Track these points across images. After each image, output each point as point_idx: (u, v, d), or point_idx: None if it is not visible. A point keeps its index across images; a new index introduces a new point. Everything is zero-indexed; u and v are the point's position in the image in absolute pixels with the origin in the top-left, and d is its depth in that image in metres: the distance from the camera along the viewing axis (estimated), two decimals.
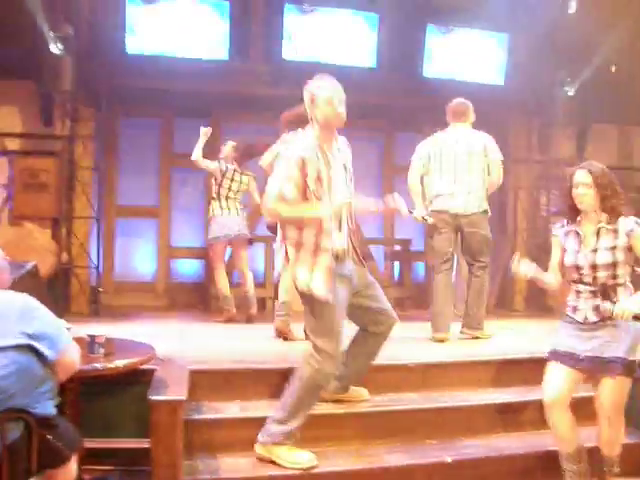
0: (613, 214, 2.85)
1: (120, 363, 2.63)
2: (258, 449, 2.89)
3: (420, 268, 7.36)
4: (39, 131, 5.73)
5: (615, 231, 2.86)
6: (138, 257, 6.83)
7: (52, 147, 5.69)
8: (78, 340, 2.41)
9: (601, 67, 6.64)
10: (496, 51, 6.59)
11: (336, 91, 2.84)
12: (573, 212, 2.95)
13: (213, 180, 5.35)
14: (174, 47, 5.87)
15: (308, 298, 2.83)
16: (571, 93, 6.62)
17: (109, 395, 3.15)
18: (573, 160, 4.95)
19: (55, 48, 5.25)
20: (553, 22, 6.45)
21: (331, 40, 6.12)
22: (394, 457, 3.03)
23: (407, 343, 4.13)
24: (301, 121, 3.72)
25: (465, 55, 6.48)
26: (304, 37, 6.06)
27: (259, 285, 6.66)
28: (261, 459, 2.87)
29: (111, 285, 6.50)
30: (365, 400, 3.31)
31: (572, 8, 6.22)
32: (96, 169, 5.86)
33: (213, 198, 5.33)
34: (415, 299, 6.69)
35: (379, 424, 3.21)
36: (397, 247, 7.15)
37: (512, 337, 4.86)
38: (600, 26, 6.40)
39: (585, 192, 2.84)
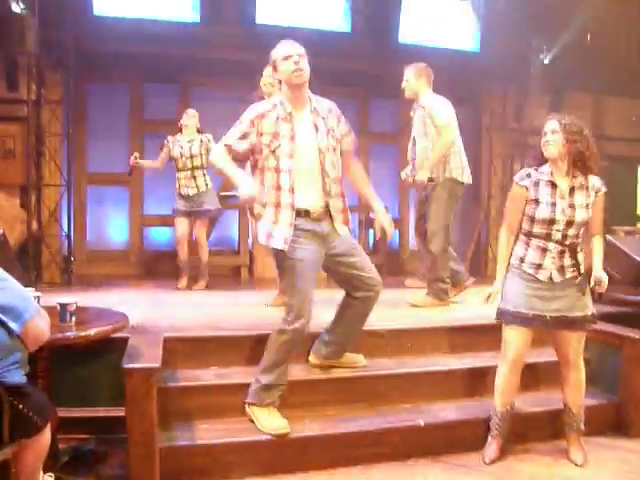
0: (585, 169, 2.85)
1: (92, 331, 2.60)
2: (247, 409, 2.97)
3: (395, 236, 7.39)
4: (3, 96, 5.53)
5: (587, 188, 2.88)
6: (110, 225, 6.73)
7: (18, 112, 5.50)
8: (49, 309, 2.37)
9: (576, 36, 6.65)
10: (472, 17, 6.53)
11: (293, 48, 2.89)
12: (538, 161, 2.92)
13: None
14: (143, 9, 5.68)
15: (275, 255, 2.91)
16: (546, 61, 6.63)
17: (83, 364, 3.14)
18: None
19: (17, 7, 5.04)
20: None
21: (305, 4, 6.00)
22: (368, 421, 3.09)
23: (382, 310, 4.16)
24: None
25: (441, 21, 6.41)
26: (278, 0, 5.92)
27: (234, 253, 6.66)
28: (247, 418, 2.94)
29: (83, 254, 6.41)
30: (361, 366, 3.35)
31: None
32: (65, 135, 5.70)
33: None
34: (389, 266, 6.73)
35: (354, 389, 3.26)
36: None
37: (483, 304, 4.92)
38: None
39: (551, 138, 2.82)
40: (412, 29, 6.33)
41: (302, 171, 2.87)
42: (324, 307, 3.23)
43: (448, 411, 3.26)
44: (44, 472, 2.32)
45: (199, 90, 6.59)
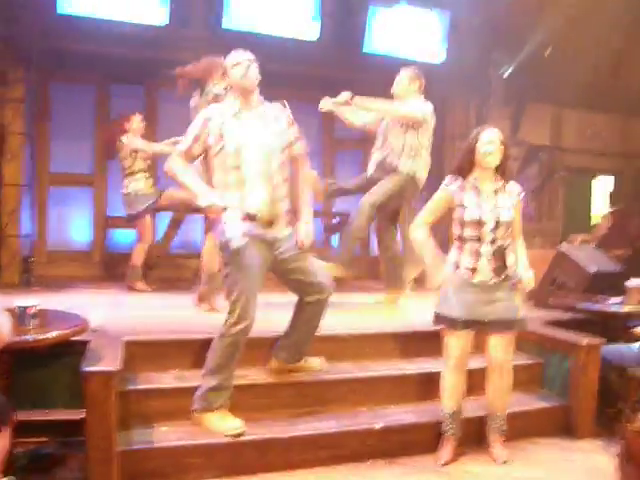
0: (505, 175, 3.04)
1: (51, 334, 2.61)
2: (193, 417, 2.96)
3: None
4: None
5: (510, 192, 3.04)
6: (73, 226, 6.64)
7: None
8: (8, 311, 2.37)
9: (536, 50, 6.86)
10: (437, 28, 6.67)
11: (243, 55, 3.03)
12: (468, 170, 3.04)
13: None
14: (110, 9, 5.65)
15: (222, 256, 2.97)
16: (507, 74, 6.81)
17: (42, 367, 3.12)
18: (507, 138, 5.10)
19: None
20: (492, 2, 6.58)
21: (273, 11, 6.04)
22: (327, 424, 3.16)
23: (342, 314, 4.24)
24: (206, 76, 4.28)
25: (407, 31, 6.53)
26: (245, 6, 5.95)
27: (196, 256, 6.63)
28: (197, 426, 2.93)
29: (44, 255, 6.30)
30: (320, 370, 3.40)
31: None
32: (27, 134, 5.63)
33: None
34: (353, 271, 6.79)
35: (312, 393, 3.32)
36: (335, 220, 7.22)
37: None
38: (536, 9, 6.59)
39: (494, 149, 2.96)
40: (380, 39, 6.43)
41: (249, 171, 2.92)
42: (283, 311, 3.29)
43: (404, 414, 3.36)
44: (2, 475, 2.32)
45: (164, 92, 6.57)
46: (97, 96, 6.48)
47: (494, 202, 2.99)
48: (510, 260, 3.03)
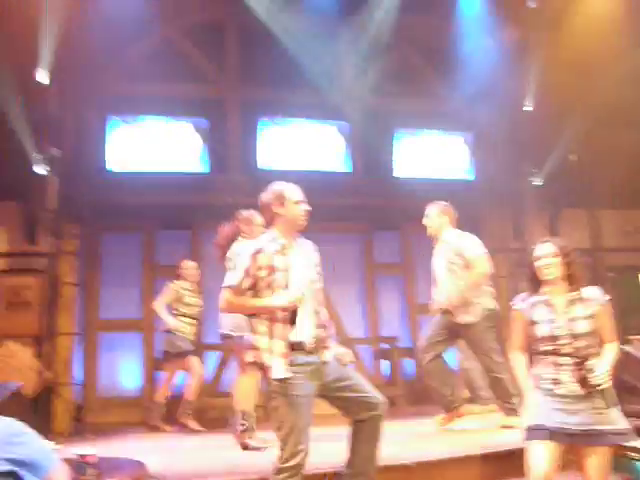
0: (578, 283, 2.94)
1: None
2: None
3: (409, 365, 7.29)
4: (23, 249, 5.77)
5: (584, 300, 2.93)
6: (123, 371, 6.68)
7: (36, 265, 5.72)
8: (66, 461, 2.34)
9: (563, 156, 7.04)
10: (463, 149, 6.95)
11: (303, 195, 3.08)
12: (535, 285, 3.00)
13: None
14: (155, 163, 6.09)
15: (273, 392, 2.86)
16: (538, 182, 6.95)
17: None
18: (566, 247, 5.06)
19: (40, 169, 5.41)
20: (513, 118, 6.89)
21: (305, 149, 6.41)
22: None
23: (405, 442, 4.04)
24: (231, 240, 4.30)
25: (434, 154, 6.82)
26: (279, 147, 6.34)
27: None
28: None
29: (96, 401, 6.30)
30: None
31: (528, 106, 6.66)
32: (79, 284, 5.86)
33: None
34: (407, 397, 6.59)
35: None
36: (384, 345, 7.11)
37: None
38: (558, 118, 6.84)
39: (551, 262, 2.93)
40: (407, 164, 6.71)
41: (291, 302, 2.92)
42: (335, 442, 3.16)
43: None
44: None
45: (209, 235, 6.84)
46: (144, 243, 6.78)
47: (568, 315, 2.93)
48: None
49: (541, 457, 2.83)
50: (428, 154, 6.79)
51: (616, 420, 2.84)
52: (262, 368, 2.93)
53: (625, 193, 7.84)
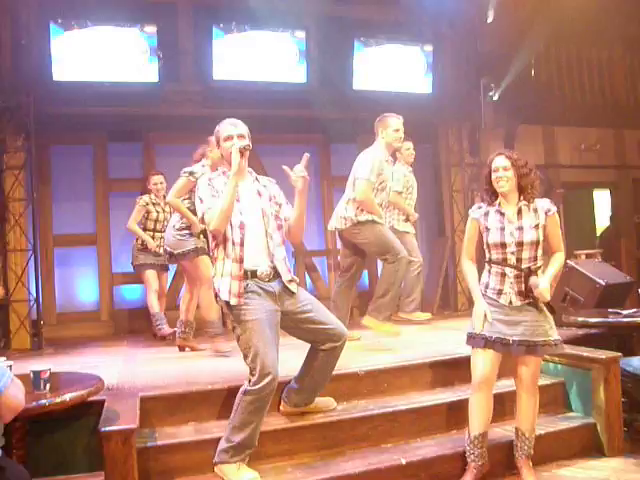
0: (530, 194, 3.04)
1: (67, 397, 2.58)
2: (215, 469, 2.92)
3: (364, 277, 7.47)
4: None
5: (535, 210, 3.05)
6: (79, 286, 6.67)
7: None
8: (21, 377, 2.36)
9: (521, 72, 6.99)
10: (422, 61, 6.81)
11: (235, 129, 3.05)
12: (490, 196, 3.12)
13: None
14: (103, 72, 5.80)
15: (230, 316, 2.95)
16: (496, 98, 6.92)
17: (59, 431, 3.08)
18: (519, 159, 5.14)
19: None
20: (473, 31, 6.75)
21: (261, 58, 6.19)
22: (351, 464, 3.09)
23: (356, 351, 4.21)
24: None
25: (392, 66, 6.67)
26: (234, 56, 6.10)
27: None
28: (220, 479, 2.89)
29: (53, 317, 6.32)
30: (332, 409, 3.37)
31: (490, 18, 6.52)
32: (29, 200, 5.70)
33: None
34: (361, 308, 6.78)
35: (334, 434, 3.26)
36: (339, 257, 7.22)
37: (457, 337, 4.99)
38: (517, 33, 6.74)
39: (504, 175, 3.02)
40: (365, 76, 6.56)
41: (248, 232, 2.96)
42: (293, 352, 3.26)
43: (428, 447, 3.29)
44: None
45: (161, 146, 6.68)
46: (96, 156, 6.58)
47: (517, 223, 3.03)
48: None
49: (480, 362, 3.04)
50: (387, 66, 6.63)
51: (549, 332, 3.03)
52: (215, 294, 2.98)
53: (581, 111, 7.91)
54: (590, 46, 8.08)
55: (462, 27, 6.89)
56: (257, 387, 2.84)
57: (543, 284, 2.97)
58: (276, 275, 3.01)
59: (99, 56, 5.77)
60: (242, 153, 2.97)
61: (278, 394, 3.27)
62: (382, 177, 4.48)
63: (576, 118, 7.96)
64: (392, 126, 4.52)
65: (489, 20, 6.61)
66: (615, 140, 8.60)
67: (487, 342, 3.02)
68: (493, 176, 3.06)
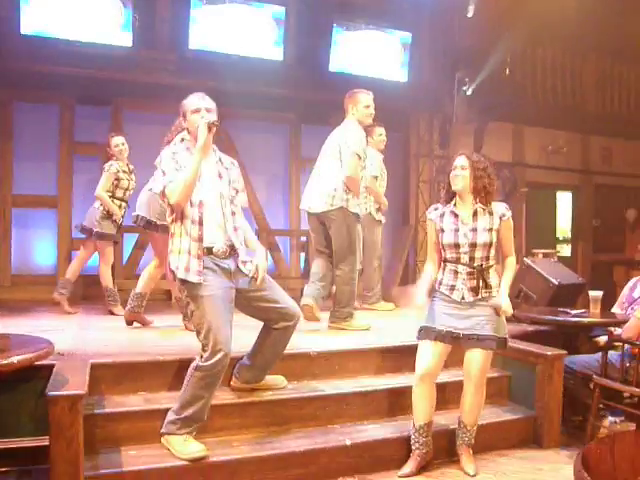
0: (486, 197, 3.11)
1: (14, 359, 2.54)
2: (162, 440, 2.93)
3: None
4: None
5: (490, 213, 3.12)
6: (37, 249, 6.54)
7: None
8: None
9: (497, 69, 7.07)
10: (399, 49, 6.84)
11: (202, 102, 3.02)
12: (449, 195, 3.18)
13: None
14: (74, 31, 5.64)
15: (183, 290, 2.94)
16: (469, 93, 6.99)
17: (5, 393, 3.04)
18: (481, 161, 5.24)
19: None
20: (452, 25, 6.78)
21: (238, 32, 6.11)
22: (296, 442, 3.14)
23: (311, 332, 4.25)
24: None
25: (370, 52, 6.68)
26: (211, 27, 6.02)
27: (164, 276, 6.57)
28: (166, 449, 2.90)
29: (7, 278, 6.19)
30: (282, 387, 3.40)
31: (470, 12, 6.56)
32: None
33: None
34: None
35: (282, 412, 3.30)
36: (303, 238, 7.26)
37: (410, 325, 5.07)
38: (495, 31, 6.80)
39: (460, 173, 3.09)
40: (343, 59, 6.55)
41: (207, 211, 2.95)
42: (246, 330, 3.29)
43: (375, 430, 3.36)
44: None
45: (131, 113, 6.56)
46: (62, 117, 6.42)
47: (471, 225, 3.08)
48: (493, 280, 3.11)
49: (427, 354, 3.11)
50: (364, 51, 6.63)
51: (498, 328, 3.11)
52: (171, 270, 2.94)
53: (551, 113, 8.06)
54: (565, 51, 8.23)
55: (442, 19, 6.92)
56: (209, 363, 2.85)
57: (504, 303, 3.06)
58: (232, 252, 3.01)
59: (72, 13, 5.62)
60: (210, 128, 2.94)
61: (230, 369, 3.29)
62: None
63: (546, 120, 8.12)
64: (362, 102, 4.44)
65: (469, 15, 6.65)
66: (581, 145, 8.82)
67: (437, 335, 3.08)
68: (451, 174, 3.12)
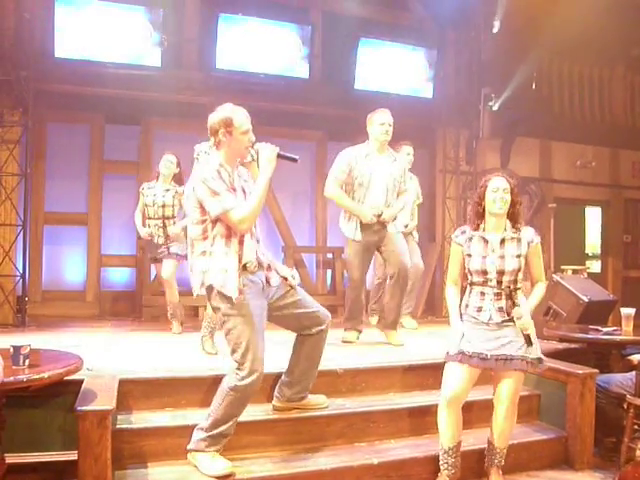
0: (517, 221, 3.07)
1: (45, 374, 2.59)
2: (188, 456, 2.93)
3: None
4: None
5: (519, 240, 3.07)
6: (67, 265, 6.66)
7: None
8: (1, 351, 2.37)
9: (523, 84, 7.03)
10: (425, 65, 6.84)
11: (249, 123, 2.97)
12: (478, 217, 3.11)
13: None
14: (105, 53, 5.79)
15: (222, 309, 2.90)
16: (495, 108, 6.95)
17: (35, 407, 3.07)
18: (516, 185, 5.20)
19: None
20: (478, 40, 6.78)
21: (264, 50, 6.19)
22: (323, 460, 3.12)
23: (337, 349, 4.23)
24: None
25: (395, 68, 6.70)
26: (238, 47, 6.10)
27: (191, 293, 6.63)
28: (193, 466, 2.91)
29: (38, 294, 6.31)
30: (324, 407, 3.38)
31: (495, 27, 6.56)
32: (22, 175, 5.68)
33: None
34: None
35: (308, 429, 3.28)
36: (329, 255, 7.26)
37: (439, 342, 5.03)
38: (521, 45, 6.78)
39: (503, 197, 3.02)
40: (368, 76, 6.58)
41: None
42: (282, 348, 3.29)
43: (402, 449, 3.32)
44: None
45: (159, 132, 6.67)
46: (92, 136, 6.56)
47: (500, 252, 3.04)
48: (521, 301, 3.06)
49: (455, 378, 3.05)
50: (389, 67, 6.66)
51: (529, 348, 3.03)
52: (210, 288, 2.92)
53: (579, 127, 7.97)
54: (592, 64, 8.15)
55: (467, 35, 6.92)
56: (246, 383, 2.84)
57: (525, 318, 2.99)
58: (260, 266, 3.02)
59: (102, 35, 5.76)
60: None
61: (270, 389, 3.33)
62: (356, 172, 4.48)
63: (574, 134, 8.03)
64: (376, 120, 4.51)
65: (494, 30, 6.64)
66: (610, 159, 8.68)
67: (464, 357, 3.02)
68: (491, 196, 3.02)
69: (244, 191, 3.03)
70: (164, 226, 5.18)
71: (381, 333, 4.66)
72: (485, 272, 3.04)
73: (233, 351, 2.89)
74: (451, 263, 3.24)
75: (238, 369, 2.87)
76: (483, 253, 3.06)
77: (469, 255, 3.10)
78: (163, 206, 5.18)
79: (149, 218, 5.25)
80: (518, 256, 3.04)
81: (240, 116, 2.94)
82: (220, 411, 2.88)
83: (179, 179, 5.24)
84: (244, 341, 2.85)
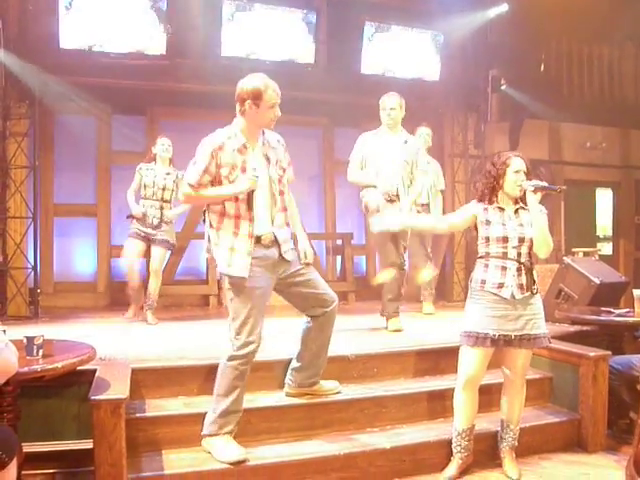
0: (524, 197, 3.07)
1: (59, 364, 2.61)
2: (202, 442, 2.96)
3: (362, 262, 7.50)
4: None
5: (527, 209, 3.08)
6: (77, 257, 6.69)
7: None
8: (15, 343, 2.39)
9: (531, 66, 6.95)
10: (431, 48, 6.78)
11: (279, 96, 2.96)
12: (494, 195, 3.10)
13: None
14: (110, 43, 5.76)
15: (231, 283, 2.94)
16: (503, 90, 6.88)
17: (50, 397, 3.11)
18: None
19: None
20: (486, 22, 6.70)
21: (269, 37, 6.15)
22: (336, 446, 3.13)
23: (348, 335, 4.24)
24: None
25: (401, 52, 6.63)
26: (243, 34, 6.06)
27: (202, 282, 6.67)
28: (207, 452, 2.94)
29: (50, 286, 6.35)
30: (336, 393, 3.39)
31: (504, 9, 6.48)
32: (31, 167, 5.69)
33: None
34: (357, 293, 6.81)
35: (321, 415, 3.30)
36: (338, 241, 7.25)
37: (450, 326, 5.02)
38: (530, 27, 6.69)
39: (524, 179, 3.04)
40: (374, 61, 6.52)
41: (256, 200, 2.96)
42: (289, 336, 3.29)
43: (414, 433, 3.33)
44: None
45: (165, 121, 6.66)
46: (99, 127, 6.57)
47: (517, 220, 3.05)
48: (535, 276, 3.07)
49: (471, 360, 3.05)
50: (396, 51, 6.59)
51: (542, 325, 3.06)
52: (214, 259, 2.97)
53: (588, 108, 7.87)
54: (601, 44, 8.03)
55: (475, 15, 6.82)
56: (242, 352, 2.90)
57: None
58: (275, 241, 3.01)
59: (107, 25, 5.72)
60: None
61: (282, 376, 3.36)
62: (367, 152, 4.58)
63: (583, 115, 7.93)
64: (381, 105, 4.62)
65: (502, 11, 6.55)
66: (621, 140, 8.59)
67: (485, 340, 2.99)
68: (513, 177, 3.03)
69: (268, 159, 3.02)
70: (161, 208, 5.24)
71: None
72: (506, 239, 3.02)
73: (232, 319, 2.95)
74: (459, 212, 3.27)
75: (235, 338, 2.92)
76: (502, 221, 3.05)
77: (487, 222, 3.06)
78: (163, 189, 5.26)
79: (145, 198, 5.29)
80: (531, 225, 3.05)
81: (270, 91, 2.93)
82: (223, 385, 2.93)
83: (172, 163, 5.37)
84: (244, 314, 2.90)
